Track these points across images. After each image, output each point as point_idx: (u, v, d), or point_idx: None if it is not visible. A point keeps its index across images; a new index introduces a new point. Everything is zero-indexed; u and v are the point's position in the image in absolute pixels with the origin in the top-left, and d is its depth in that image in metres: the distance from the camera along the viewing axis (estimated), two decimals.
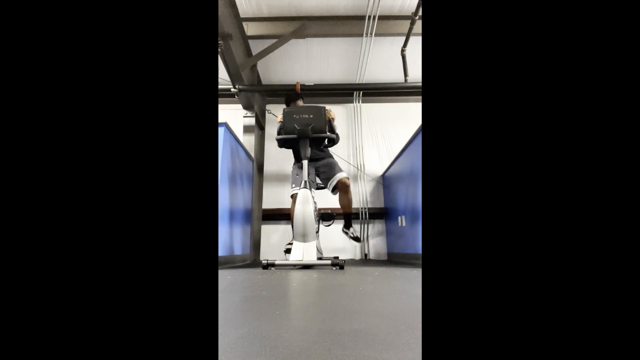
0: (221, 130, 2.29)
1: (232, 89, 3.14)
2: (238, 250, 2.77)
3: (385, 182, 3.99)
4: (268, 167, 4.11)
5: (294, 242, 2.17)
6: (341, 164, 2.85)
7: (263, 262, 2.14)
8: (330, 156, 2.80)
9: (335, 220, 3.18)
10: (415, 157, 2.65)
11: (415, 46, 3.31)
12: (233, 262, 2.59)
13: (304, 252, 2.08)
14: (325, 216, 3.04)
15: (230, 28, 2.63)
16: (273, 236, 4.00)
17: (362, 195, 4.07)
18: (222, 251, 2.24)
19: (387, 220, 3.96)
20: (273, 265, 2.13)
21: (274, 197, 4.11)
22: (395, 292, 1.05)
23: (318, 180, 2.75)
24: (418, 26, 2.89)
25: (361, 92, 4.19)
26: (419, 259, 2.38)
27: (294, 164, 2.75)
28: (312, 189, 2.39)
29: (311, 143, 2.30)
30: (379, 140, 4.28)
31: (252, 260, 3.38)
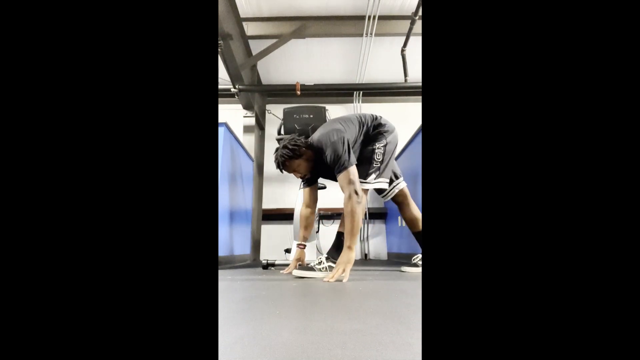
0: (221, 130, 2.29)
1: (232, 89, 3.14)
2: (238, 250, 2.77)
3: None
4: (268, 167, 4.10)
5: (294, 242, 2.17)
6: None
7: (263, 262, 2.14)
8: None
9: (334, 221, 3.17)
10: (415, 157, 2.65)
11: (415, 46, 3.30)
12: (233, 262, 2.59)
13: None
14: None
15: (230, 28, 2.63)
16: (273, 236, 4.00)
17: None
18: (222, 251, 2.24)
19: (387, 220, 3.96)
20: (273, 265, 2.13)
21: (274, 197, 4.11)
22: (395, 292, 1.05)
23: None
24: (418, 26, 2.88)
25: (361, 92, 4.19)
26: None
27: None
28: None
29: None
30: None
31: (252, 260, 3.38)
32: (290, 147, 1.64)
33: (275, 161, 1.70)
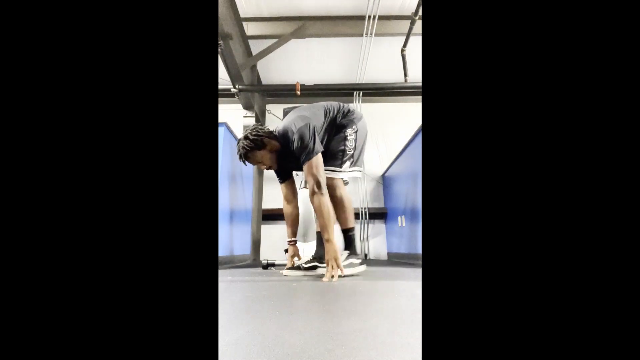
0: (221, 130, 2.29)
1: (232, 89, 3.14)
2: (238, 250, 2.77)
3: (385, 182, 3.99)
4: None
5: None
6: None
7: (263, 262, 2.14)
8: None
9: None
10: (415, 157, 2.65)
11: (415, 46, 3.30)
12: (233, 262, 2.59)
13: (304, 252, 2.09)
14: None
15: (230, 28, 2.63)
16: (273, 236, 4.00)
17: (362, 195, 4.07)
18: (222, 251, 2.24)
19: (387, 220, 3.96)
20: (273, 265, 2.14)
21: (274, 197, 4.10)
22: (395, 292, 1.05)
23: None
24: (418, 26, 2.88)
25: (361, 92, 4.19)
26: (419, 259, 2.38)
27: None
28: None
29: None
30: (379, 140, 4.28)
31: (252, 260, 3.38)
32: (251, 137, 1.55)
33: (237, 153, 1.60)
